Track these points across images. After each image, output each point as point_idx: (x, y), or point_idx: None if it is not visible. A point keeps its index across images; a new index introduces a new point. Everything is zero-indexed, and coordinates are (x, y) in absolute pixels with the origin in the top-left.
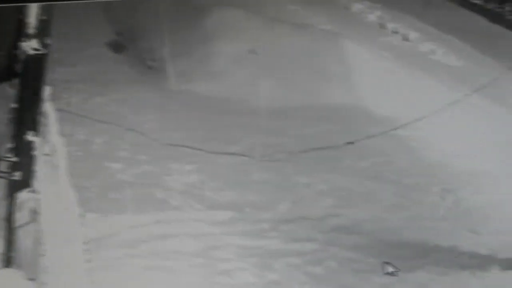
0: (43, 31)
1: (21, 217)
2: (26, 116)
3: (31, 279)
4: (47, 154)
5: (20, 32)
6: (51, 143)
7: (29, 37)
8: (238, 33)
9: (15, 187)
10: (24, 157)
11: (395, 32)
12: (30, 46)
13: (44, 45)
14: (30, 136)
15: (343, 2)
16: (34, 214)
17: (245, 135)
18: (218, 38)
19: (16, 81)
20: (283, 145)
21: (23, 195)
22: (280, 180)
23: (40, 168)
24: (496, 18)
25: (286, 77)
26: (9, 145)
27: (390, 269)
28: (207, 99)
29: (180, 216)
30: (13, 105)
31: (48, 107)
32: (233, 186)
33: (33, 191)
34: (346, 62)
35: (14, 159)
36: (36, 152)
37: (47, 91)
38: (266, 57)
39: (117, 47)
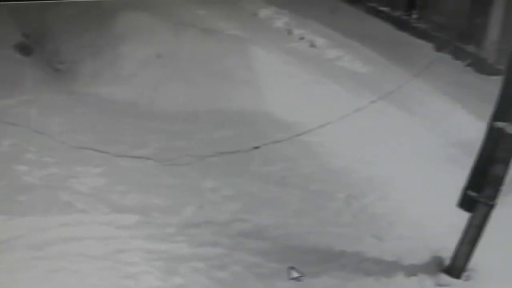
0: None
1: None
2: None
3: None
4: None
5: None
6: None
7: None
8: (145, 37)
9: None
10: None
11: (302, 38)
12: None
13: None
14: None
15: (251, 8)
16: None
17: (152, 138)
18: (126, 41)
19: None
20: (190, 149)
21: None
22: (187, 184)
23: None
24: (402, 25)
25: (193, 82)
26: None
27: (295, 274)
28: (114, 102)
29: (86, 219)
30: None
31: None
32: (140, 189)
33: None
34: (254, 67)
35: None
36: None
37: None
38: (173, 61)
39: (24, 49)
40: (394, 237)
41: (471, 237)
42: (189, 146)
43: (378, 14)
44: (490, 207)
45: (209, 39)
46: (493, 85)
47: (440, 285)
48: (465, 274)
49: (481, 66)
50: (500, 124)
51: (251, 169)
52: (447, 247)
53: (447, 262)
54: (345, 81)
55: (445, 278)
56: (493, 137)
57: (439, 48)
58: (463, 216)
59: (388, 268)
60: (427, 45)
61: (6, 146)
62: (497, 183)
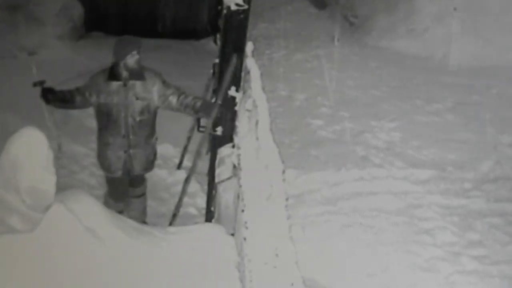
0: None
1: (222, 172)
2: (228, 71)
3: (231, 234)
4: (249, 110)
5: None
6: (253, 98)
7: None
8: None
9: (217, 142)
10: (225, 112)
11: None
12: (233, 1)
13: (247, 1)
14: (232, 91)
15: None
16: (235, 169)
17: (446, 93)
18: None
19: (218, 36)
20: (485, 105)
21: (224, 150)
22: (483, 139)
23: (242, 123)
24: None
25: (488, 36)
26: (211, 100)
27: None
28: (407, 56)
29: (382, 173)
30: (216, 60)
31: (250, 63)
32: (435, 144)
33: (235, 147)
34: None
35: (217, 114)
36: (237, 108)
37: (249, 46)
38: (467, 14)
39: (319, 3)
40: None
41: None
42: (483, 101)
43: None
44: None
45: None
46: None
47: None
48: None
49: None
50: None
51: None
52: None
53: None
54: None
55: None
56: None
57: None
58: None
59: None
60: None
61: (300, 100)
62: None
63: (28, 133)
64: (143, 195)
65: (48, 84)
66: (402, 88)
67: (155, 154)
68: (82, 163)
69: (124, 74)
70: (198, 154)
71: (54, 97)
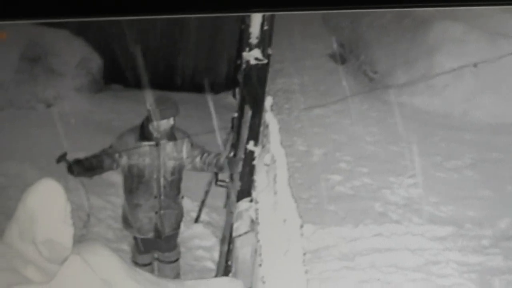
0: (265, 41)
1: (240, 226)
2: (247, 126)
3: None
4: (267, 164)
5: (242, 42)
6: (272, 153)
7: (251, 47)
8: (459, 47)
9: (235, 196)
10: (244, 167)
11: None
12: (252, 56)
13: (266, 55)
14: (250, 146)
15: None
16: (253, 223)
17: (465, 150)
18: (440, 51)
19: (237, 90)
20: (505, 162)
21: (242, 204)
22: (501, 196)
23: (260, 177)
24: None
25: (508, 93)
26: (230, 154)
27: None
28: (427, 112)
29: (400, 229)
30: (234, 114)
31: (269, 117)
32: (454, 201)
33: (253, 201)
34: None
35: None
36: (256, 162)
37: (268, 101)
38: (486, 72)
39: (339, 58)
40: None
41: None
42: (503, 158)
43: None
44: None
45: None
46: None
47: None
48: None
49: None
50: None
51: None
52: None
53: None
54: None
55: None
56: None
57: None
58: None
59: None
60: None
61: (319, 155)
62: None
63: (46, 184)
64: (176, 261)
65: (65, 152)
66: (421, 144)
67: (182, 213)
68: (98, 216)
69: (156, 134)
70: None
71: (81, 168)
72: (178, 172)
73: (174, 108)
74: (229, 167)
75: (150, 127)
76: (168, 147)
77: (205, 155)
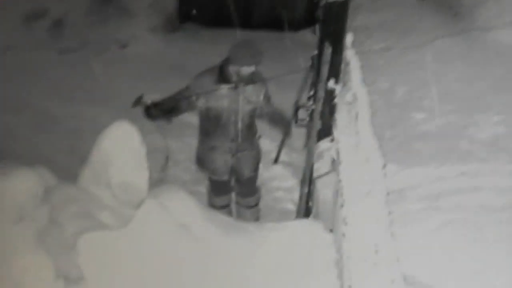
0: None
1: (321, 166)
2: (327, 64)
3: (330, 230)
4: (348, 103)
5: None
6: (353, 91)
7: None
8: None
9: (315, 136)
10: (324, 106)
11: None
12: None
13: None
14: (331, 84)
15: None
16: (334, 164)
17: None
18: None
19: (316, 27)
20: None
21: (323, 144)
22: None
23: (341, 117)
24: None
25: None
26: (310, 93)
27: None
28: None
29: (486, 168)
30: (314, 52)
31: (349, 55)
32: None
33: (334, 140)
34: None
35: (315, 107)
36: (336, 101)
37: (348, 38)
38: None
39: None
40: None
41: None
42: None
43: None
44: None
45: None
46: None
47: None
48: None
49: None
50: None
51: None
52: None
53: None
54: None
55: None
56: None
57: None
58: None
59: None
60: None
61: (402, 93)
62: None
63: (120, 127)
64: (256, 206)
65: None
66: (508, 80)
67: (260, 154)
68: (175, 158)
69: (235, 77)
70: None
71: (158, 111)
72: (255, 115)
73: (258, 55)
74: (281, 126)
75: (230, 70)
76: (247, 90)
77: (272, 106)
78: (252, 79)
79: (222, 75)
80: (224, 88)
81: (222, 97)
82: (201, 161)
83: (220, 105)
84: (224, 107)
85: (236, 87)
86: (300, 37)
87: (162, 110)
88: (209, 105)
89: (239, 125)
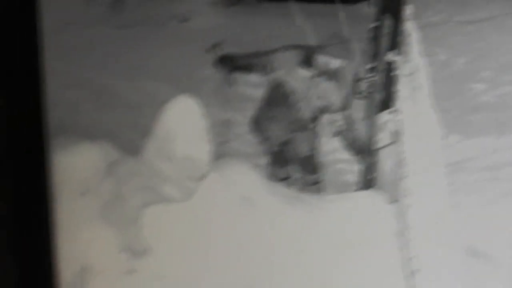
0: None
1: (382, 138)
2: (386, 35)
3: (394, 202)
4: (408, 75)
5: None
6: (413, 63)
7: None
8: None
9: (375, 108)
10: (384, 78)
11: None
12: None
13: None
14: (390, 56)
15: None
16: (396, 135)
17: None
18: None
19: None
20: None
21: (384, 116)
22: None
23: (401, 88)
24: None
25: None
26: (369, 65)
27: None
28: None
29: None
30: (373, 24)
31: (408, 26)
32: None
33: (394, 112)
34: None
35: (375, 79)
36: (396, 72)
37: (407, 9)
38: None
39: None
40: None
41: None
42: None
43: None
44: None
45: None
46: None
47: None
48: None
49: None
50: None
51: None
52: None
53: None
54: None
55: None
56: None
57: None
58: None
59: None
60: None
61: (461, 64)
62: None
63: (182, 102)
64: (318, 183)
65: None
66: None
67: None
68: (237, 131)
69: (319, 68)
70: None
71: (229, 64)
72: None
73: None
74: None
75: (319, 59)
76: (321, 86)
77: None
78: (335, 76)
79: (307, 59)
80: (303, 72)
81: (295, 79)
82: (257, 127)
83: (291, 85)
84: (294, 87)
85: (315, 77)
86: (357, 10)
87: (233, 65)
88: (281, 82)
89: (304, 108)
